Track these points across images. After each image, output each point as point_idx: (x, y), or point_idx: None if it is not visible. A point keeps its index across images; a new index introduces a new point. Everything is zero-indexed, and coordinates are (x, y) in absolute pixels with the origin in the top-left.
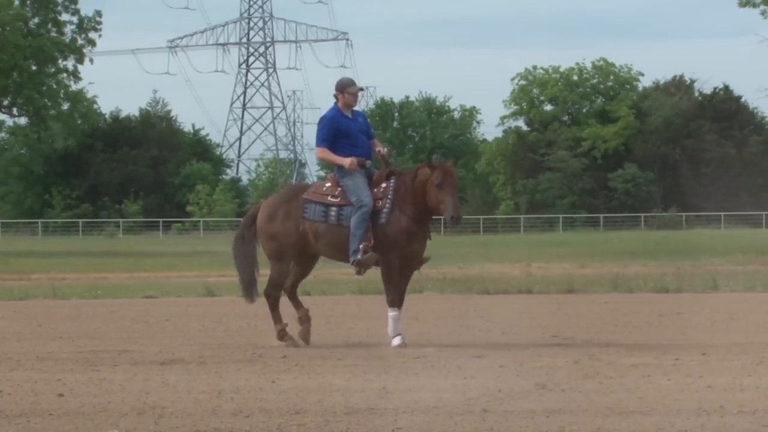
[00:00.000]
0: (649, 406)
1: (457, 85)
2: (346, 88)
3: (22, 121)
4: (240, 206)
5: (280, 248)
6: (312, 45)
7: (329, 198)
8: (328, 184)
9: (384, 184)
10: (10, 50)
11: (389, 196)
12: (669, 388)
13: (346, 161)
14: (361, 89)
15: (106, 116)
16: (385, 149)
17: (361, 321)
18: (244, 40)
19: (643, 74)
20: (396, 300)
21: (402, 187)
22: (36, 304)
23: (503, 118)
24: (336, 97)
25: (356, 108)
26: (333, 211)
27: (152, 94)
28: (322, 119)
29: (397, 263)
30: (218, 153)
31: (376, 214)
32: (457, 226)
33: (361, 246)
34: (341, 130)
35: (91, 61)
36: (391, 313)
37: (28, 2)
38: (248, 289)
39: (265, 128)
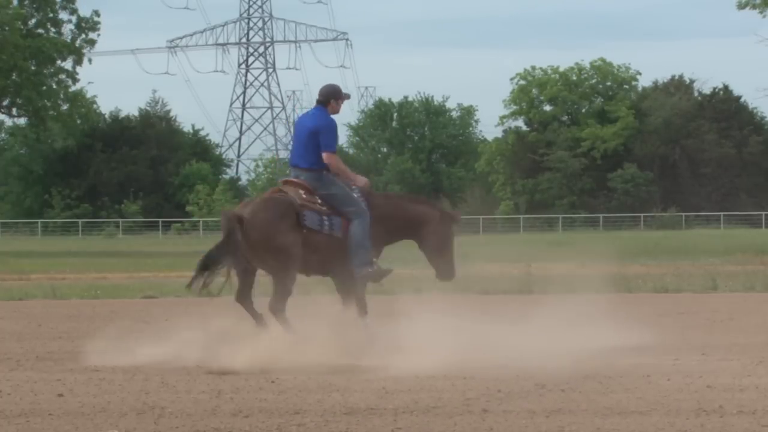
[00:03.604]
0: (648, 406)
1: (457, 86)
2: (340, 96)
3: (22, 121)
4: None
5: (288, 261)
6: (311, 45)
7: (318, 206)
8: (302, 192)
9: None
10: (9, 50)
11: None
12: (669, 388)
13: (360, 181)
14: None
15: (106, 116)
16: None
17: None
18: (244, 40)
19: (640, 73)
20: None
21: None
22: (36, 304)
23: (503, 118)
24: (326, 102)
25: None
26: (326, 220)
27: (152, 94)
28: (333, 123)
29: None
30: (218, 153)
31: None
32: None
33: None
34: None
35: (90, 61)
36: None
37: (26, 1)
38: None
39: (265, 128)
